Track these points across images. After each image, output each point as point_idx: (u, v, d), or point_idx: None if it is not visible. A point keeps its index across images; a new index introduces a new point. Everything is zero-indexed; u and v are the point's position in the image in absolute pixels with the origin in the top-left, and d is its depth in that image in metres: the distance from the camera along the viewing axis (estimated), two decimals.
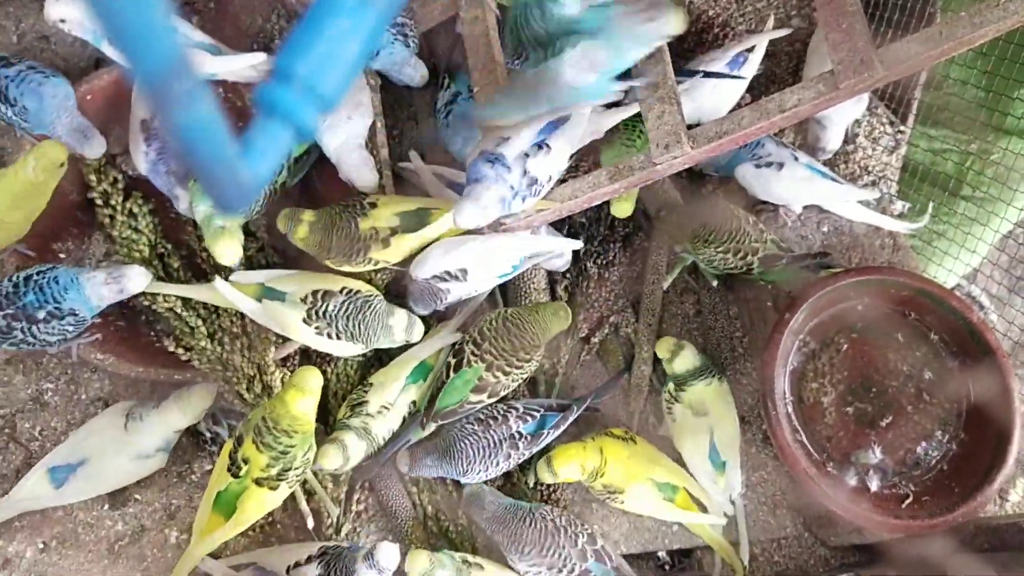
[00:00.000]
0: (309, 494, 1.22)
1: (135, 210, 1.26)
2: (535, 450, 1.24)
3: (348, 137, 1.22)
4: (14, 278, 1.11)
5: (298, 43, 0.57)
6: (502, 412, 1.21)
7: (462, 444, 1.18)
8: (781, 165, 1.26)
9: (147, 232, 1.26)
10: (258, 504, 1.08)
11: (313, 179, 1.34)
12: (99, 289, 1.12)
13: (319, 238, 1.19)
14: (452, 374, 1.18)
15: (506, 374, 1.18)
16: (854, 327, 1.28)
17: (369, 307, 1.16)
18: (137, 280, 1.13)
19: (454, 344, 1.22)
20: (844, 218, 1.34)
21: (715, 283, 1.36)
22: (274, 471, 1.06)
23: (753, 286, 1.36)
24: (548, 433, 1.22)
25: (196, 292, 1.22)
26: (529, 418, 1.21)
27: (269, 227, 1.29)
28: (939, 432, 1.25)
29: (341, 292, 1.16)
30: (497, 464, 1.20)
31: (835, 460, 1.25)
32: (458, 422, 1.20)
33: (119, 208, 1.26)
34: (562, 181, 1.16)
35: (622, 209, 1.28)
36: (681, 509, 1.24)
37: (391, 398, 1.19)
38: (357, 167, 1.23)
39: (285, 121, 0.58)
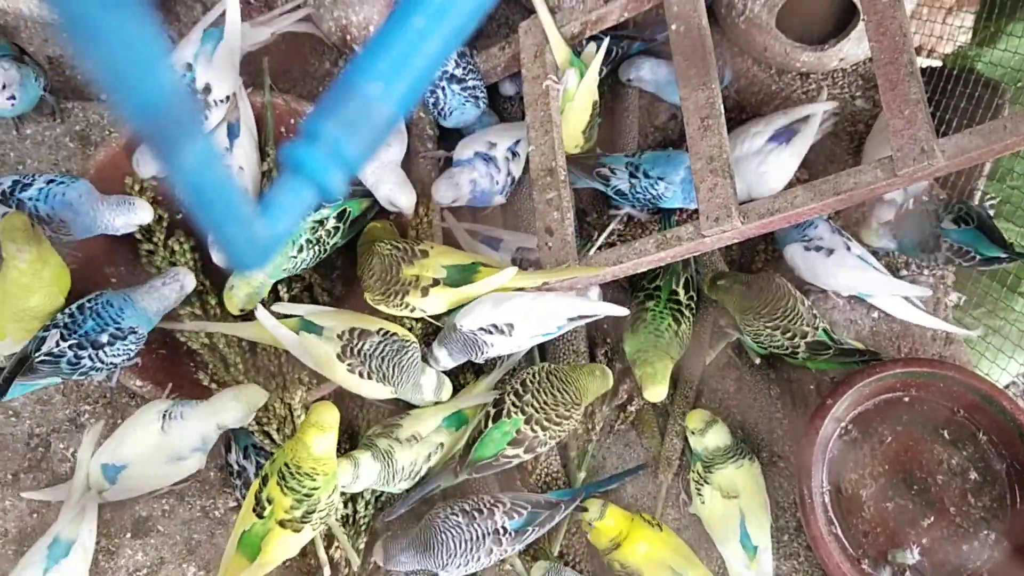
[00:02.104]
0: (329, 542, 1.20)
1: (175, 248, 1.28)
2: (519, 547, 1.20)
3: (386, 160, 1.24)
4: (68, 309, 1.13)
5: (328, 106, 0.57)
6: (488, 504, 1.17)
7: (444, 536, 1.14)
8: (831, 251, 1.23)
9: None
10: (281, 545, 1.07)
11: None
12: (162, 296, 1.15)
13: (362, 253, 1.23)
14: (490, 424, 1.16)
15: (544, 429, 1.16)
16: (899, 419, 1.24)
17: (405, 353, 1.16)
18: (190, 278, 1.18)
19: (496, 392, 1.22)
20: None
21: (758, 361, 1.33)
22: (298, 513, 1.05)
23: (797, 368, 1.33)
24: (533, 530, 1.19)
25: (235, 329, 1.23)
26: (516, 514, 1.18)
27: (317, 266, 1.30)
28: (982, 536, 1.19)
29: (377, 333, 1.16)
30: (478, 559, 1.16)
31: (870, 557, 1.21)
32: (442, 511, 1.17)
33: (160, 244, 1.28)
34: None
35: (655, 392, 1.22)
36: None
37: (424, 431, 1.18)
38: (397, 185, 1.25)
39: (309, 181, 0.58)
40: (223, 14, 1.23)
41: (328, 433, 1.04)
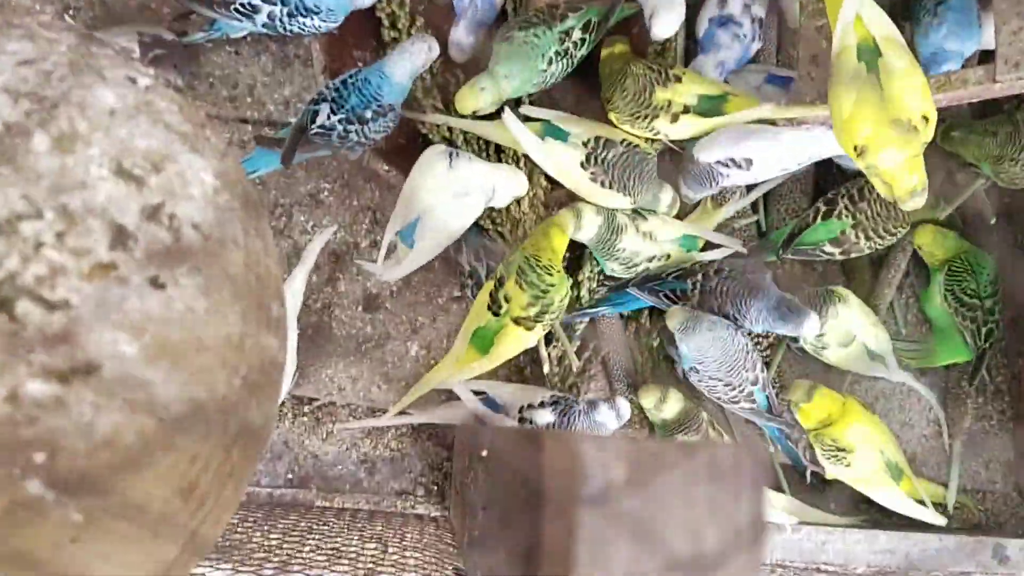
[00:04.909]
0: (547, 341, 1.26)
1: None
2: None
3: None
4: (332, 84, 1.15)
5: None
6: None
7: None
8: None
9: None
10: (515, 342, 1.13)
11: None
12: (412, 56, 1.16)
13: (611, 72, 1.21)
14: (819, 220, 1.21)
15: (868, 239, 1.19)
16: None
17: (646, 164, 1.17)
18: (436, 44, 1.18)
19: (826, 194, 1.24)
20: None
21: (992, 220, 1.31)
22: (533, 311, 1.10)
23: None
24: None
25: (477, 127, 1.24)
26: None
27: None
28: None
29: (621, 143, 1.17)
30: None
31: None
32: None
33: (403, 31, 1.29)
34: None
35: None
36: (904, 492, 1.21)
37: (660, 235, 1.22)
38: (668, 15, 1.20)
39: None
40: None
41: (569, 233, 1.12)
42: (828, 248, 1.20)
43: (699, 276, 1.18)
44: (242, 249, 0.44)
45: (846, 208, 1.18)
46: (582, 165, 1.16)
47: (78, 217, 0.37)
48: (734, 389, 1.16)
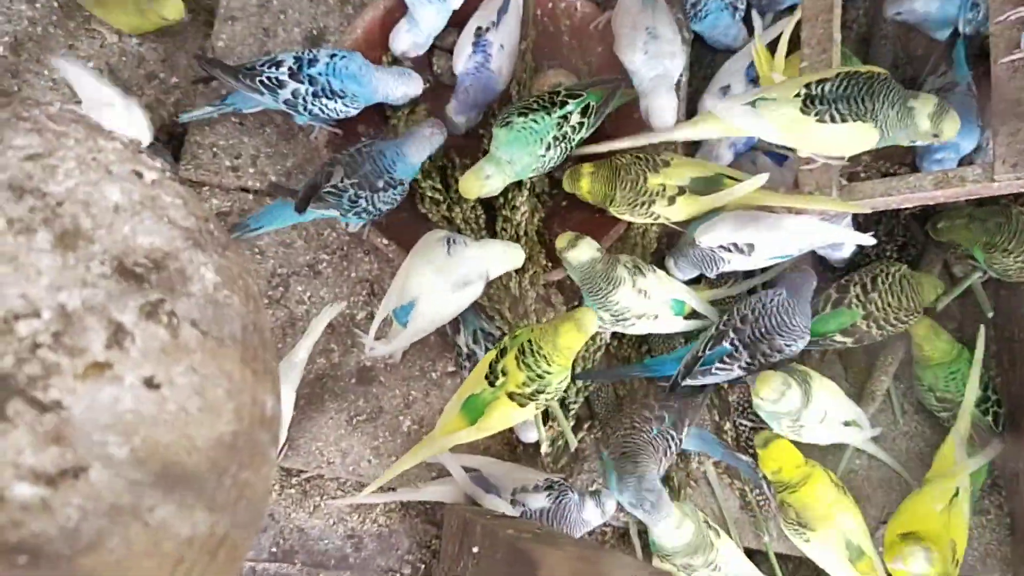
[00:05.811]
0: (545, 419, 1.24)
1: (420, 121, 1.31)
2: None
3: (665, 73, 1.23)
4: (348, 151, 1.17)
5: None
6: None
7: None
8: None
9: None
10: (505, 416, 1.11)
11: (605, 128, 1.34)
12: (423, 149, 1.20)
13: (602, 188, 1.22)
14: (829, 308, 1.21)
15: (880, 328, 1.19)
16: None
17: (874, 83, 1.06)
18: (443, 132, 1.23)
19: (840, 279, 1.24)
20: None
21: (990, 314, 1.31)
22: (528, 390, 1.08)
23: None
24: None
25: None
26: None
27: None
28: None
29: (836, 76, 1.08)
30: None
31: None
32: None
33: (403, 117, 1.32)
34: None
35: None
36: (860, 573, 1.17)
37: (656, 294, 1.19)
38: (663, 105, 1.22)
39: None
40: None
41: (583, 336, 1.07)
42: (839, 338, 1.20)
43: (730, 333, 1.16)
44: (239, 345, 0.44)
45: (857, 297, 1.18)
46: (802, 111, 1.07)
47: (76, 316, 0.37)
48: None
